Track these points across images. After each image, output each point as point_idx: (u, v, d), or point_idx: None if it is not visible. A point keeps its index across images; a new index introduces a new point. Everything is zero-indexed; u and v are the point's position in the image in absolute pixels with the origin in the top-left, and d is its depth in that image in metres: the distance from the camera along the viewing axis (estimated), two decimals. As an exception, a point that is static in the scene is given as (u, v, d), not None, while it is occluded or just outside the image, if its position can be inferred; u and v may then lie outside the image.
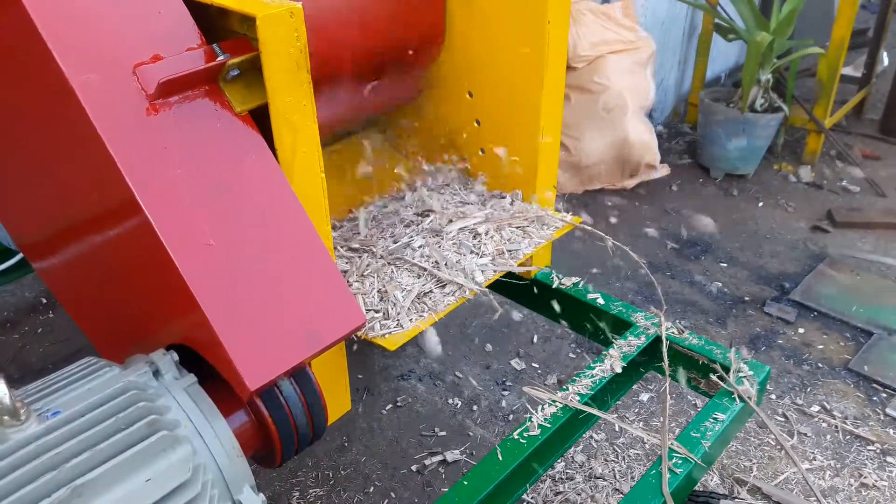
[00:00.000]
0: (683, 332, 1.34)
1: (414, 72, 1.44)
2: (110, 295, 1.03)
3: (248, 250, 0.86)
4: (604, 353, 1.28)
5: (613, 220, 2.71)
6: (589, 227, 1.35)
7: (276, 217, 0.89)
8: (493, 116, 1.40)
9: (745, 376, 1.23)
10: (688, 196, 2.89)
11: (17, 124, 0.97)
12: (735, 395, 1.21)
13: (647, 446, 1.78)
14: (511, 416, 1.89)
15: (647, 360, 1.34)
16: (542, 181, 1.39)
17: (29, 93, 0.90)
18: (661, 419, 1.15)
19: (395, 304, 1.09)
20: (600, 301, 1.39)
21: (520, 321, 2.20)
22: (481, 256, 1.18)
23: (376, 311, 1.09)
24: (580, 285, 1.42)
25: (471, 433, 1.84)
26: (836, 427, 1.84)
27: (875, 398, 1.92)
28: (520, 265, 1.22)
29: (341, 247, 1.24)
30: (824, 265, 2.44)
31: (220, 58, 0.87)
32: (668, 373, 1.24)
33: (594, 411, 1.17)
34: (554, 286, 1.42)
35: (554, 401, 1.16)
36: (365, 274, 1.15)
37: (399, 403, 1.93)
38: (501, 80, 1.35)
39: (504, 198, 1.39)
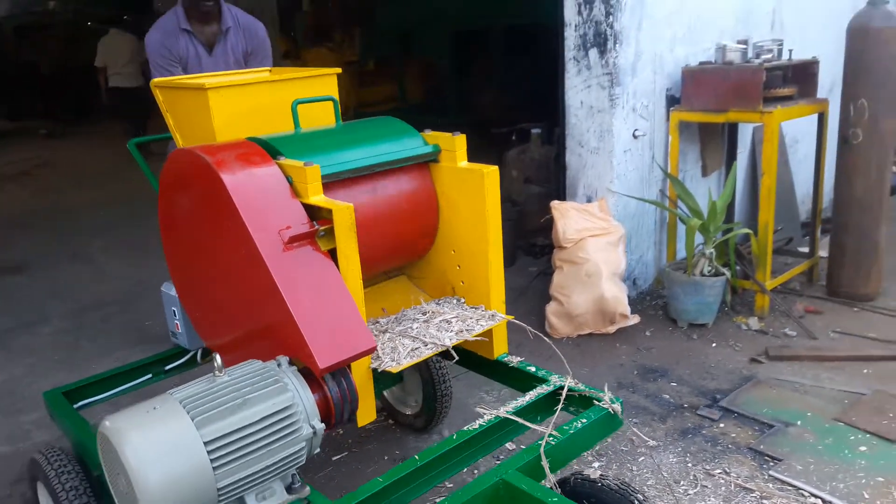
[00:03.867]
0: (579, 383, 2.20)
1: (421, 248, 2.49)
2: (254, 341, 2.03)
3: (323, 308, 1.86)
4: (527, 392, 2.15)
5: (597, 354, 3.57)
6: (518, 322, 2.29)
7: (336, 296, 1.90)
8: (467, 263, 2.40)
9: (612, 402, 2.07)
10: (658, 339, 3.73)
11: (214, 257, 2.06)
12: (608, 411, 2.04)
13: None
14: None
15: (557, 401, 2.18)
16: (494, 298, 2.34)
17: (225, 241, 1.99)
18: (552, 421, 1.99)
19: (398, 353, 2.04)
20: (532, 369, 2.29)
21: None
22: (450, 332, 2.14)
23: (388, 356, 2.04)
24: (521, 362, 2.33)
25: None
26: (731, 483, 2.54)
27: (764, 465, 2.62)
28: (475, 336, 2.16)
29: (375, 332, 2.22)
30: (750, 384, 3.19)
31: (316, 227, 1.95)
32: (562, 399, 2.10)
33: (515, 417, 2.02)
34: (506, 362, 2.34)
35: (490, 413, 2.04)
36: (384, 341, 2.12)
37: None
38: (468, 242, 2.37)
39: (474, 308, 2.36)
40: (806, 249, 4.50)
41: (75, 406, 2.49)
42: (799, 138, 5.12)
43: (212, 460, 1.57)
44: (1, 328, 4.32)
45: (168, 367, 2.72)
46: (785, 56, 4.03)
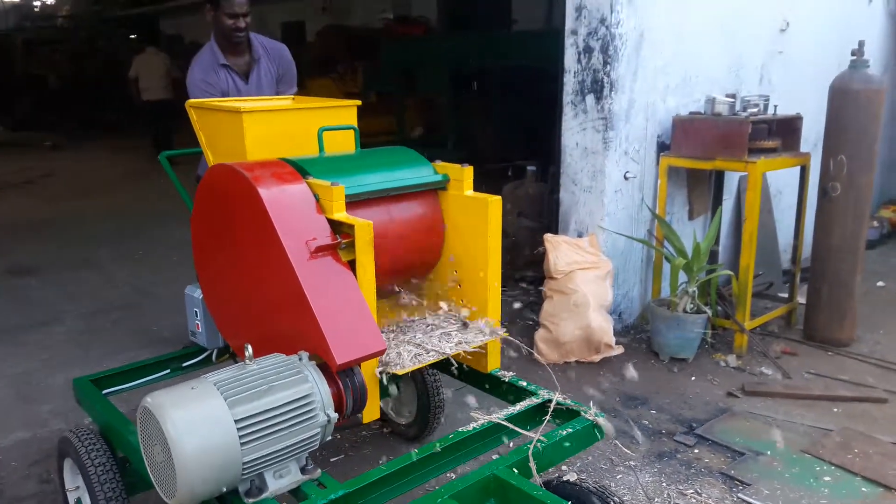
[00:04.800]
0: (566, 398, 2.41)
1: (427, 267, 2.72)
2: (275, 339, 2.24)
3: (342, 312, 2.08)
4: (517, 404, 2.36)
5: (582, 380, 3.78)
6: (512, 339, 2.51)
7: (354, 301, 2.12)
8: (467, 282, 2.63)
9: (597, 416, 2.28)
10: (640, 370, 3.94)
11: (244, 262, 2.28)
12: (592, 422, 2.25)
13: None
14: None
15: (545, 412, 2.39)
16: (491, 315, 2.57)
17: (257, 248, 2.21)
18: (539, 429, 2.20)
19: (403, 358, 2.26)
20: (523, 383, 2.50)
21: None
22: (450, 342, 2.35)
23: (393, 362, 2.25)
24: (513, 377, 2.54)
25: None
26: (702, 503, 2.74)
27: (734, 489, 2.82)
28: (473, 348, 2.37)
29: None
30: (726, 415, 3.41)
31: (339, 240, 2.18)
32: (550, 410, 2.31)
33: (506, 423, 2.23)
34: (499, 376, 2.55)
35: (484, 418, 2.25)
36: (390, 348, 2.34)
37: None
38: (470, 263, 2.60)
39: (473, 322, 2.58)
40: (786, 295, 4.75)
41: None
42: (783, 189, 5.41)
43: (240, 437, 1.77)
44: (17, 325, 4.51)
45: (185, 364, 2.92)
46: (770, 111, 4.32)
